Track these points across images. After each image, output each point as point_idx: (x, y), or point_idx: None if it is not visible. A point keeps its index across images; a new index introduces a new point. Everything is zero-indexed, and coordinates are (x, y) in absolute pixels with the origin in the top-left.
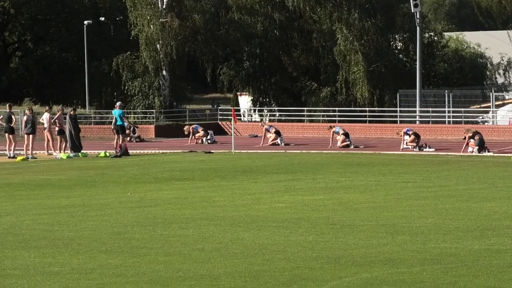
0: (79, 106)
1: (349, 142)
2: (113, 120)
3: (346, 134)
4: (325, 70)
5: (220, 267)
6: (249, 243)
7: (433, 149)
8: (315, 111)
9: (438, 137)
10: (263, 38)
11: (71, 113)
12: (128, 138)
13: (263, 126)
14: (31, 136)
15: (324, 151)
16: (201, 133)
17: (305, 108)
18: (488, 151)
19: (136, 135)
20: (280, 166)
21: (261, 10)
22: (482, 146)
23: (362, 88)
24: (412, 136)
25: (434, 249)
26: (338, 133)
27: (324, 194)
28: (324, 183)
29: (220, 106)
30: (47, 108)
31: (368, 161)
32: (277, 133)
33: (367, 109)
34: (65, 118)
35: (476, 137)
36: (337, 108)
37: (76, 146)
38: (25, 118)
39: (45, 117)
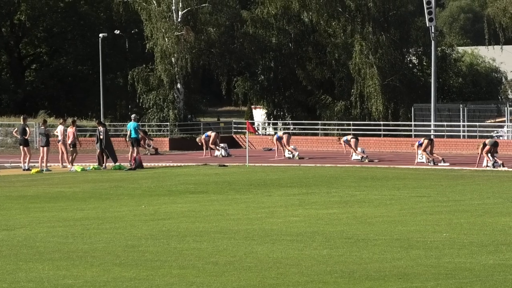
0: (94, 119)
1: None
2: (128, 133)
3: (356, 137)
4: (340, 84)
5: (234, 281)
6: (263, 256)
7: (448, 164)
8: (329, 124)
9: (452, 152)
10: (278, 52)
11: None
12: (147, 149)
13: (273, 137)
14: (45, 148)
15: (338, 165)
16: (213, 135)
17: (320, 122)
18: (503, 166)
19: (151, 147)
20: (294, 179)
21: (276, 23)
22: (496, 146)
23: (377, 102)
24: (425, 141)
25: (449, 264)
26: (348, 141)
27: (339, 208)
28: (339, 197)
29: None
30: (61, 120)
31: (382, 175)
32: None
33: (381, 123)
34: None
35: (487, 140)
36: (351, 122)
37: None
38: (38, 131)
39: (59, 130)
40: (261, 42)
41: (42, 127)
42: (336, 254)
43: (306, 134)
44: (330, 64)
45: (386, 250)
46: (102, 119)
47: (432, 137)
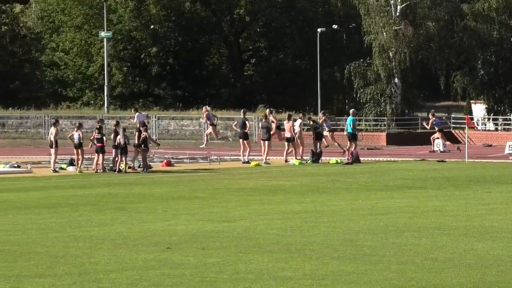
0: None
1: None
2: (345, 127)
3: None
4: None
5: (453, 277)
6: (483, 254)
7: None
8: None
9: None
10: (499, 46)
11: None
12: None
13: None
14: (266, 142)
15: None
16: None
17: None
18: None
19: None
20: None
21: (497, 18)
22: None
23: None
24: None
25: None
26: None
27: None
28: None
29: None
30: (300, 115)
31: None
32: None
33: None
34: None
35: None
36: None
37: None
38: (261, 124)
39: (297, 124)
40: (481, 36)
41: (265, 121)
42: None
43: None
44: None
45: None
46: (319, 114)
47: None
